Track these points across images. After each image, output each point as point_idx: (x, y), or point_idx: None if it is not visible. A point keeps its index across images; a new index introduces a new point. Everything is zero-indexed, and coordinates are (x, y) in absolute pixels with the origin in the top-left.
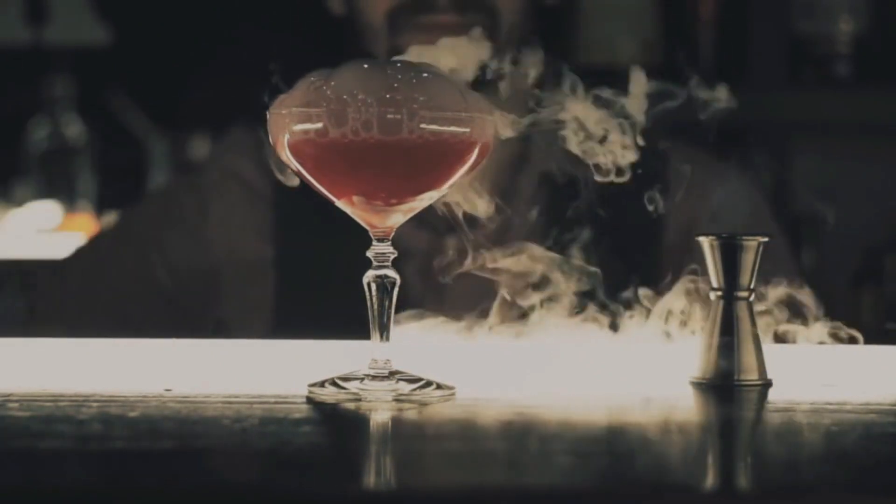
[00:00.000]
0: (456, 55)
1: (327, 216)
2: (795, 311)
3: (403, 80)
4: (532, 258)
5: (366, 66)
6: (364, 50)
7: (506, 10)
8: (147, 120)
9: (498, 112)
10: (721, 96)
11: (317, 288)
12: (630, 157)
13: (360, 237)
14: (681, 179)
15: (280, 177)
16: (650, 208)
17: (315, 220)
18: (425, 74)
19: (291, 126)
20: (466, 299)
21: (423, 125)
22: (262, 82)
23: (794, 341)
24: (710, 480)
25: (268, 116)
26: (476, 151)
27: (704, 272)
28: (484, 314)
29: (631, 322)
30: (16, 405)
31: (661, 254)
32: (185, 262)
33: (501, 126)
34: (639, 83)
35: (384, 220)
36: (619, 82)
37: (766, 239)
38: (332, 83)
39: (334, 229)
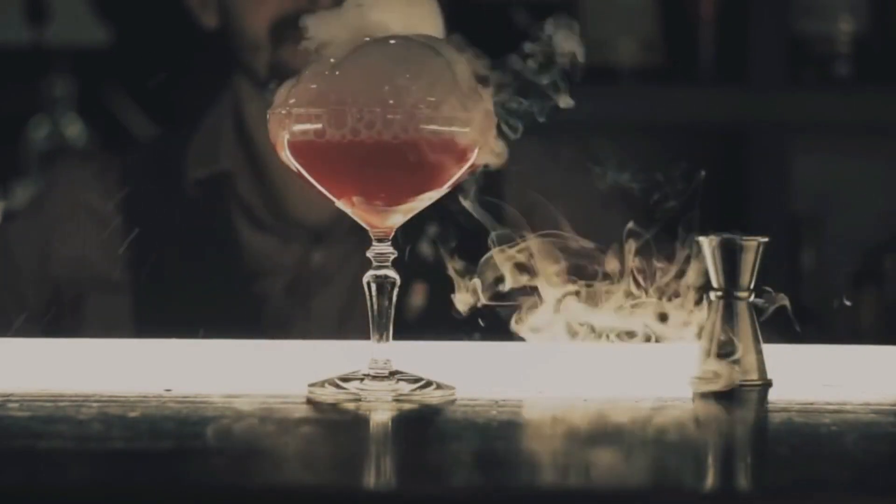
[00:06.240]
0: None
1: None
2: None
3: (405, 75)
4: None
5: (365, 54)
6: (244, 63)
7: None
8: (147, 120)
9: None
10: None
11: (173, 301)
12: None
13: (214, 251)
14: None
15: None
16: None
17: (165, 236)
18: (429, 61)
19: (291, 126)
20: (332, 315)
21: (422, 125)
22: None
23: None
24: (710, 480)
25: (268, 115)
26: (476, 151)
27: None
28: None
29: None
30: (16, 405)
31: None
32: (42, 280)
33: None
34: None
35: (384, 220)
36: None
37: (766, 239)
38: (334, 75)
39: (185, 244)
